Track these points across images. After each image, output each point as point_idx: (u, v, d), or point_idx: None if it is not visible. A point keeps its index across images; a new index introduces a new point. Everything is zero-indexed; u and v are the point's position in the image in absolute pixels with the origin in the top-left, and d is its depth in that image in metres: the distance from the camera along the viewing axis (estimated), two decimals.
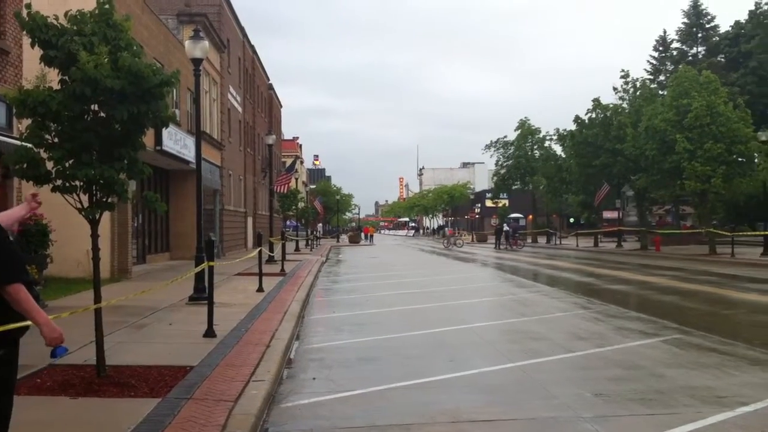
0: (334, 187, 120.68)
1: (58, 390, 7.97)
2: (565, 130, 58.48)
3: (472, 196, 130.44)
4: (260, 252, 20.88)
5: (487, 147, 79.43)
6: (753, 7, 65.20)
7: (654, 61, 75.70)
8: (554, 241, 66.32)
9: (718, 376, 9.31)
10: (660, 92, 54.75)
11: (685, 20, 73.83)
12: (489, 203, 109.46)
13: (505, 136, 77.67)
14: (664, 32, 76.45)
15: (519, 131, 75.32)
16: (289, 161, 67.84)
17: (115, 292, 16.95)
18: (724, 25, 75.56)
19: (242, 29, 51.59)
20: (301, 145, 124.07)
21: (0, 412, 4.80)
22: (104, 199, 8.35)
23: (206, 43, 17.76)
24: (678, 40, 74.74)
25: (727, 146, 38.51)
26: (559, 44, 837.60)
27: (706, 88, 40.20)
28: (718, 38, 71.65)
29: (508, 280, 26.32)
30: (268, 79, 69.98)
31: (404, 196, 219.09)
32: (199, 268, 14.89)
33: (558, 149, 65.84)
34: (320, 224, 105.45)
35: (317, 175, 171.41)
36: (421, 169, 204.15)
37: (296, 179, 58.71)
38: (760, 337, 12.40)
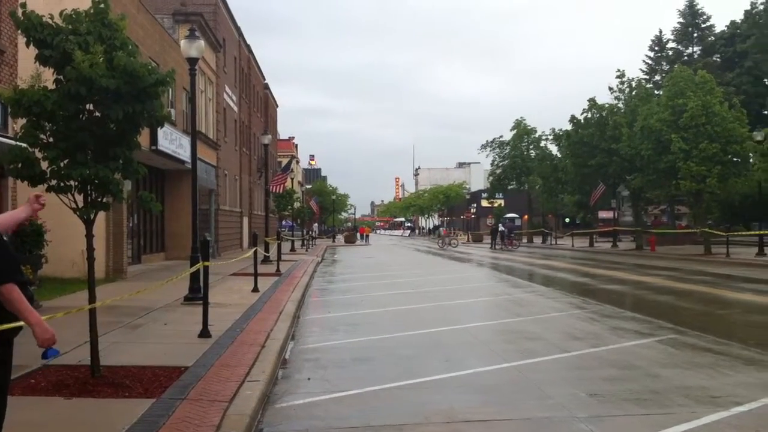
0: (330, 187, 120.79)
1: (52, 390, 7.95)
2: (560, 130, 58.57)
3: (468, 196, 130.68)
4: (255, 252, 20.87)
5: (483, 147, 79.58)
6: (749, 7, 65.40)
7: (650, 61, 75.83)
8: (550, 241, 66.40)
9: (713, 376, 9.32)
10: (656, 92, 54.83)
11: (681, 20, 73.98)
12: (485, 203, 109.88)
13: (501, 136, 77.88)
14: (660, 32, 76.60)
15: (515, 131, 75.40)
16: (284, 161, 67.74)
17: (110, 292, 16.93)
18: (720, 24, 76.00)
19: (238, 29, 51.55)
20: (297, 145, 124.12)
21: None
22: (99, 199, 8.33)
23: (202, 42, 17.75)
24: (674, 40, 74.91)
25: (723, 146, 38.59)
26: (557, 44, 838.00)
27: (701, 88, 40.28)
28: (713, 38, 71.84)
29: (503, 280, 26.34)
30: (264, 79, 69.94)
31: (400, 196, 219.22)
32: (194, 268, 14.87)
33: (554, 149, 65.94)
34: (316, 224, 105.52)
35: (313, 175, 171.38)
36: (417, 169, 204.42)
37: (292, 179, 58.62)
38: (755, 337, 12.43)
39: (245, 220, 52.07)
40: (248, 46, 57.21)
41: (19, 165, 7.95)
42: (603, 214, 61.91)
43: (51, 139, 8.11)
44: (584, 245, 56.31)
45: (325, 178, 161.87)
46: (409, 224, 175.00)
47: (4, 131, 15.75)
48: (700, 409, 7.67)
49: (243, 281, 22.12)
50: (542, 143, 72.02)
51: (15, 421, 5.59)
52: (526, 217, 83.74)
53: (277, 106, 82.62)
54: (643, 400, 8.12)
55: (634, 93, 51.42)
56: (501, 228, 61.16)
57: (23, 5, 8.07)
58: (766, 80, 64.28)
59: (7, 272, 4.63)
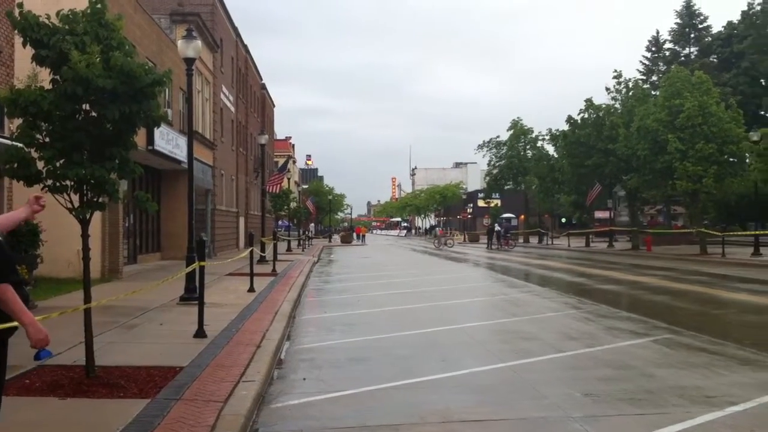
0: (327, 187, 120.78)
1: (47, 391, 7.94)
2: (557, 130, 58.64)
3: (464, 196, 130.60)
4: (252, 252, 20.86)
5: (480, 147, 79.65)
6: (745, 8, 65.52)
7: (646, 62, 75.98)
8: (546, 241, 66.43)
9: (708, 375, 9.34)
10: (652, 92, 54.91)
11: (678, 21, 74.12)
12: (481, 203, 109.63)
13: (498, 136, 78.00)
14: (657, 33, 76.74)
15: (512, 131, 75.49)
16: (281, 161, 67.76)
17: (105, 292, 16.91)
18: (717, 25, 76.24)
19: (235, 29, 51.52)
20: (293, 145, 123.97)
21: None
22: (95, 199, 8.33)
23: (199, 42, 17.73)
24: (671, 41, 75.08)
25: (719, 146, 38.66)
26: (556, 45, 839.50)
27: (698, 88, 40.34)
28: (710, 39, 71.98)
29: (499, 280, 26.36)
30: (261, 79, 69.94)
31: (396, 196, 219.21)
32: (190, 268, 14.86)
33: (550, 149, 66.04)
34: (312, 224, 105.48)
35: (310, 174, 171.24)
36: (413, 169, 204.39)
37: (288, 179, 58.64)
38: (750, 337, 12.45)
39: (241, 220, 52.04)
40: (245, 46, 57.18)
41: (15, 165, 7.95)
42: (599, 214, 61.92)
43: (47, 139, 8.11)
44: (580, 245, 56.37)
45: (321, 178, 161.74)
46: (405, 224, 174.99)
47: (0, 131, 15.73)
48: (694, 409, 7.68)
49: (239, 281, 22.12)
50: (539, 143, 72.20)
51: (10, 421, 5.60)
52: (522, 217, 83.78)
53: (273, 106, 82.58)
54: (638, 400, 8.13)
55: (631, 93, 51.50)
56: (497, 228, 61.18)
57: (20, 5, 8.06)
58: (762, 81, 64.43)
59: (1, 272, 4.63)
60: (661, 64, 73.59)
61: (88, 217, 8.33)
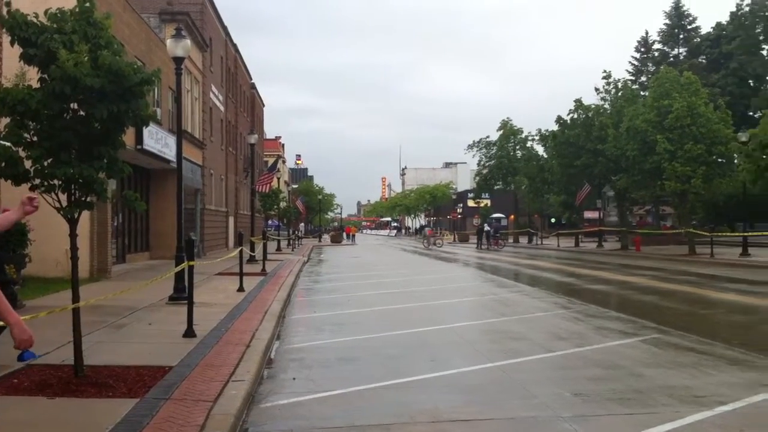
0: (317, 186, 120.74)
1: (35, 390, 7.91)
2: (547, 130, 58.74)
3: (454, 196, 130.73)
4: (241, 251, 20.83)
5: (470, 147, 79.76)
6: (734, 9, 65.83)
7: (636, 62, 76.22)
8: (535, 241, 66.57)
9: (697, 375, 9.37)
10: (641, 93, 55.08)
11: (667, 21, 74.36)
12: (471, 203, 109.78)
13: (488, 137, 78.08)
14: (646, 33, 77.01)
15: (501, 131, 75.60)
16: (271, 161, 67.72)
17: (94, 292, 16.85)
18: (706, 26, 76.64)
19: (225, 28, 51.42)
20: (283, 145, 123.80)
21: None
22: (83, 198, 8.28)
23: (188, 41, 17.67)
24: (660, 41, 75.34)
25: (708, 147, 38.81)
26: (546, 46, 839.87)
27: (687, 89, 40.48)
28: (699, 39, 72.26)
29: (488, 280, 26.39)
30: (251, 79, 69.83)
31: (386, 196, 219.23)
32: (179, 268, 14.81)
33: (540, 149, 66.17)
34: (302, 224, 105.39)
35: (299, 174, 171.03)
36: (403, 169, 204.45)
37: (278, 179, 58.55)
38: (738, 337, 12.50)
39: (231, 220, 51.94)
40: (235, 46, 57.08)
41: (3, 164, 7.91)
42: (588, 215, 62.08)
43: (35, 138, 8.06)
44: (570, 245, 56.50)
45: (311, 177, 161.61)
46: (395, 224, 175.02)
47: None
48: (684, 409, 7.70)
49: (228, 281, 22.08)
50: (528, 144, 72.34)
51: None
52: (512, 217, 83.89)
53: (263, 105, 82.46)
54: (627, 400, 8.15)
55: (620, 94, 51.62)
56: (487, 228, 61.27)
57: (8, 3, 8.04)
58: (751, 81, 64.71)
59: None
60: (650, 64, 73.82)
61: (76, 216, 8.29)
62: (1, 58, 17.08)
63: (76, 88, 7.68)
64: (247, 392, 8.18)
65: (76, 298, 8.38)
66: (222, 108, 49.31)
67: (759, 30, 63.11)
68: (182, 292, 15.68)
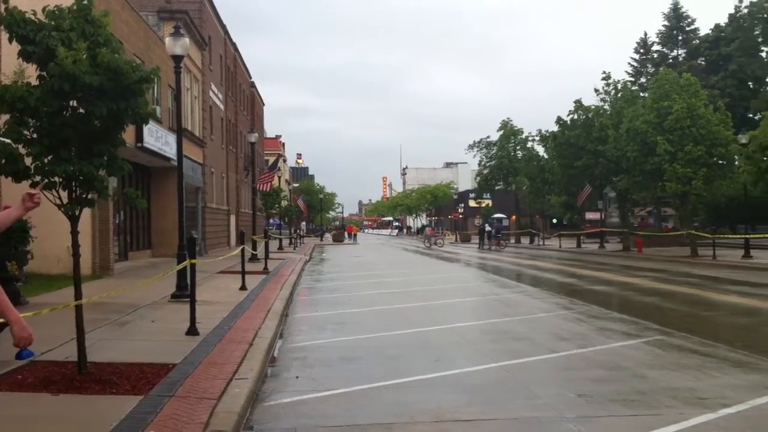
0: (318, 185, 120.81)
1: (39, 387, 7.91)
2: (547, 131, 58.66)
3: (455, 196, 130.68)
4: (243, 250, 20.82)
5: (470, 147, 79.68)
6: (733, 11, 65.79)
7: (635, 63, 76.12)
8: (537, 241, 66.50)
9: (700, 377, 9.34)
10: (641, 94, 55.01)
11: (666, 23, 74.29)
12: (472, 203, 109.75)
13: (488, 137, 77.97)
14: (645, 34, 76.94)
15: (502, 132, 75.53)
16: (271, 159, 67.68)
17: (96, 289, 16.84)
18: (704, 28, 76.21)
19: (224, 27, 51.42)
20: (284, 144, 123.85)
21: None
22: (84, 196, 8.28)
23: (187, 40, 17.68)
24: (659, 43, 75.21)
25: (708, 148, 38.74)
26: (546, 46, 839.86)
27: (686, 90, 40.43)
28: (698, 41, 72.19)
29: (490, 280, 26.37)
30: (250, 77, 69.81)
31: (388, 196, 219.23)
32: (181, 266, 14.81)
33: (540, 150, 66.06)
34: (304, 223, 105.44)
35: (300, 173, 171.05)
36: (404, 169, 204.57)
37: (279, 177, 58.55)
38: (741, 339, 12.47)
39: (232, 218, 51.95)
40: (234, 45, 57.06)
41: (3, 161, 7.90)
42: (590, 216, 62.02)
43: (35, 135, 8.05)
44: (571, 246, 56.47)
45: (312, 177, 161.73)
46: (397, 224, 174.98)
47: None
48: (687, 411, 7.68)
49: (230, 279, 22.06)
50: (529, 144, 72.22)
51: (3, 416, 5.56)
52: (514, 217, 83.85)
53: (263, 104, 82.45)
54: (630, 401, 8.13)
55: (619, 95, 51.56)
56: (488, 228, 61.24)
57: (5, 1, 8.00)
58: (750, 83, 64.64)
59: None
60: (650, 65, 73.70)
61: (77, 213, 8.29)
62: (0, 56, 17.06)
63: (75, 86, 7.67)
64: (250, 390, 8.16)
65: (78, 295, 8.36)
66: (222, 106, 49.31)
67: (758, 32, 63.05)
68: (184, 290, 15.68)
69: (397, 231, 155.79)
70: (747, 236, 36.90)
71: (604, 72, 52.63)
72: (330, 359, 10.90)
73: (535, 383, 9.08)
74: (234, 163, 54.40)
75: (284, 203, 66.25)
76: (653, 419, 7.37)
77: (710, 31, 70.24)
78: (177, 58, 17.14)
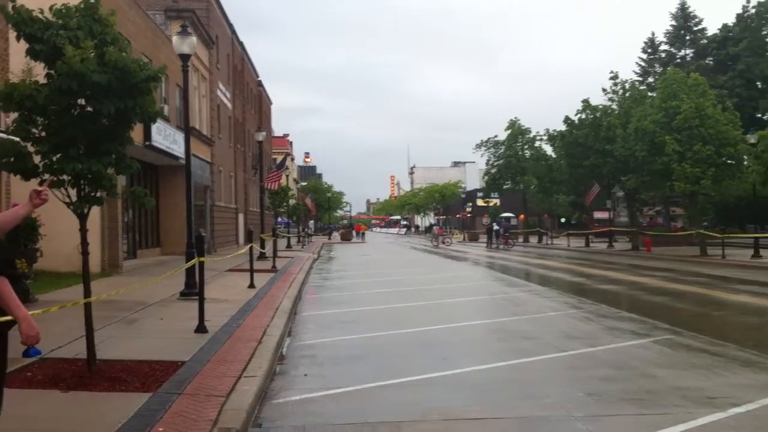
0: (325, 184, 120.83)
1: (48, 384, 7.95)
2: (555, 130, 58.54)
3: (463, 195, 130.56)
4: (251, 248, 20.83)
5: (478, 146, 79.50)
6: (740, 11, 65.52)
7: (643, 63, 75.80)
8: (545, 240, 66.38)
9: (709, 377, 9.31)
10: (649, 94, 54.83)
11: (673, 23, 74.01)
12: (480, 202, 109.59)
13: (496, 136, 77.76)
14: (653, 34, 76.79)
15: (509, 131, 75.38)
16: (279, 158, 67.73)
17: (105, 287, 16.87)
18: (712, 28, 75.97)
19: (231, 26, 51.50)
20: (291, 142, 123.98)
21: None
22: (92, 194, 8.29)
23: (194, 38, 17.73)
24: (666, 43, 74.87)
25: (716, 148, 38.60)
26: (548, 48, 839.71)
27: (694, 90, 40.28)
28: (706, 41, 71.87)
29: (499, 279, 26.33)
30: (258, 76, 69.86)
31: (396, 195, 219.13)
32: (189, 264, 14.84)
33: (548, 149, 65.90)
34: (312, 221, 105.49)
35: (308, 172, 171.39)
36: (412, 168, 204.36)
37: (287, 176, 58.58)
38: (751, 339, 12.43)
39: (240, 217, 52.02)
40: (241, 43, 57.14)
41: (12, 159, 7.92)
42: (598, 215, 61.84)
43: (43, 134, 8.08)
44: (580, 245, 56.32)
45: (320, 175, 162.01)
46: (405, 222, 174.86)
47: None
48: (696, 410, 7.65)
49: (239, 277, 22.09)
50: (537, 143, 72.04)
51: (11, 414, 5.55)
52: (522, 216, 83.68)
53: (270, 103, 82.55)
54: (639, 400, 8.10)
55: (627, 94, 51.42)
56: (496, 227, 61.16)
57: None
58: (758, 83, 64.34)
59: None
60: (657, 65, 73.40)
61: (85, 211, 8.31)
62: (8, 54, 17.11)
63: (83, 84, 7.68)
64: (259, 388, 8.17)
65: (87, 293, 8.38)
66: (229, 105, 49.37)
67: (765, 32, 62.77)
68: (193, 288, 15.72)
69: (405, 230, 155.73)
70: (756, 236, 36.78)
71: (612, 71, 52.63)
72: (338, 357, 10.90)
73: (544, 382, 9.07)
74: (242, 161, 54.47)
75: (292, 202, 66.21)
76: (662, 418, 7.34)
77: (718, 31, 69.92)
78: (184, 57, 17.19)
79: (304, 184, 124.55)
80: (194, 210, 19.48)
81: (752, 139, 36.03)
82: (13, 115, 8.23)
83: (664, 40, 74.67)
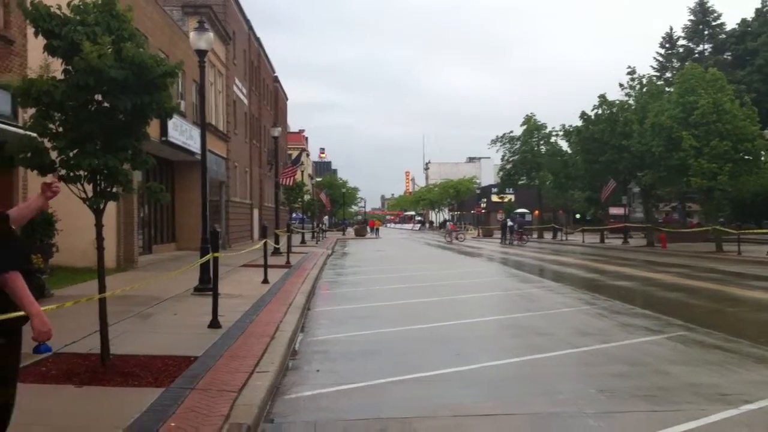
0: (340, 180, 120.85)
1: (63, 378, 8.01)
2: (571, 126, 58.33)
3: (478, 191, 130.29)
4: (266, 244, 20.89)
5: (493, 142, 79.34)
6: (759, 5, 65.02)
7: (660, 58, 75.39)
8: (560, 236, 66.22)
9: (723, 373, 9.28)
10: (666, 89, 54.52)
11: (692, 17, 73.54)
12: (495, 198, 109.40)
13: (511, 131, 77.59)
14: (671, 29, 76.15)
15: (525, 126, 75.18)
16: (294, 154, 67.77)
17: (120, 282, 16.99)
18: (731, 22, 75.17)
19: (248, 21, 51.54)
20: (307, 138, 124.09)
21: (3, 400, 4.81)
22: (108, 190, 8.34)
23: (211, 34, 17.77)
24: (684, 38, 74.40)
25: (734, 144, 38.37)
26: (566, 42, 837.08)
27: (712, 85, 40.04)
28: (724, 36, 71.34)
29: (512, 275, 26.29)
30: (274, 72, 69.92)
31: (410, 190, 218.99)
32: (204, 259, 14.91)
33: (564, 145, 65.69)
34: (326, 217, 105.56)
35: (323, 168, 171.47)
36: (427, 163, 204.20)
37: (302, 172, 58.61)
38: (765, 335, 12.38)
39: (255, 212, 52.14)
40: (258, 39, 57.17)
41: (29, 154, 7.98)
42: (614, 211, 61.61)
43: (60, 129, 8.13)
44: (595, 241, 56.14)
45: (335, 171, 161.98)
46: (419, 218, 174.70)
47: (14, 121, 15.79)
48: (709, 407, 7.63)
49: (253, 272, 22.16)
50: (552, 139, 71.84)
51: (26, 408, 5.61)
52: (536, 212, 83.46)
53: (287, 98, 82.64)
54: (652, 397, 8.09)
55: (644, 90, 51.16)
56: (510, 223, 61.04)
57: None
58: None
59: (10, 260, 4.63)
60: (675, 60, 73.00)
61: (101, 207, 8.35)
62: (27, 50, 17.22)
63: (100, 80, 7.73)
64: (271, 383, 8.21)
65: (102, 288, 8.44)
66: (246, 101, 49.47)
67: None
68: (207, 283, 15.77)
69: (419, 225, 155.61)
70: None
71: (629, 67, 52.31)
72: (351, 353, 10.92)
73: (556, 378, 9.07)
74: (257, 157, 54.58)
75: (307, 197, 66.29)
76: (674, 415, 7.33)
77: (737, 26, 69.38)
78: (201, 53, 17.23)
79: (319, 179, 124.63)
80: (209, 205, 19.55)
81: None
82: (31, 111, 8.29)
83: (683, 35, 74.23)
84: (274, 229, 38.53)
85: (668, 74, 70.59)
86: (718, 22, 72.60)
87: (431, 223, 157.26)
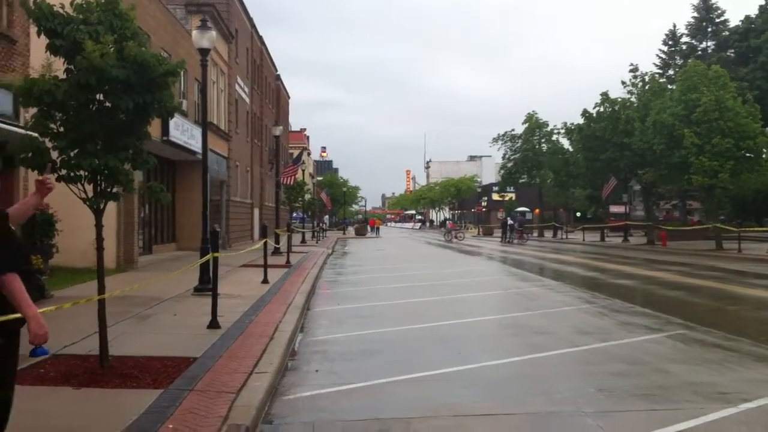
0: (341, 179, 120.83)
1: (61, 380, 7.99)
2: (572, 124, 58.32)
3: (479, 190, 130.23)
4: (266, 243, 20.88)
5: (495, 140, 79.22)
6: (763, 2, 64.90)
7: (663, 55, 75.28)
8: (560, 235, 66.21)
9: (722, 372, 9.28)
10: (669, 86, 54.46)
11: (695, 14, 73.44)
12: (496, 197, 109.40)
13: (513, 130, 77.51)
14: (674, 26, 76.24)
15: (526, 125, 75.11)
16: (296, 153, 67.81)
17: (120, 282, 16.98)
18: (734, 19, 75.26)
19: (251, 20, 51.49)
20: (308, 137, 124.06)
21: (1, 401, 4.81)
22: (109, 189, 8.34)
23: (213, 33, 17.76)
24: (687, 35, 74.29)
25: (736, 141, 38.34)
26: (566, 42, 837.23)
27: (714, 83, 40.02)
28: (727, 33, 71.21)
29: (512, 273, 26.28)
30: (276, 70, 69.87)
31: (411, 189, 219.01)
32: (203, 259, 14.90)
33: (565, 143, 65.65)
34: (327, 216, 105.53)
35: (324, 167, 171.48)
36: (428, 162, 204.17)
37: (303, 171, 58.60)
38: (766, 334, 12.38)
39: (256, 212, 52.11)
40: (260, 38, 57.13)
41: (30, 154, 7.97)
42: (614, 209, 61.60)
43: (61, 129, 8.13)
44: (595, 239, 56.16)
45: (336, 170, 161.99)
46: (420, 217, 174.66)
47: (15, 121, 15.79)
48: (708, 406, 7.63)
49: (253, 272, 22.15)
50: (554, 137, 71.76)
51: (24, 410, 5.61)
52: (537, 210, 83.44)
53: (288, 97, 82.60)
54: (651, 396, 8.09)
55: (647, 87, 51.11)
56: (510, 221, 61.01)
57: None
58: None
59: (8, 262, 4.62)
60: (678, 57, 72.88)
61: (102, 207, 8.35)
62: (29, 49, 17.22)
63: (102, 79, 7.73)
64: (270, 384, 8.20)
65: (101, 289, 8.43)
66: (247, 100, 49.45)
67: None
68: (207, 284, 15.76)
69: (420, 224, 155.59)
70: None
71: (632, 64, 52.37)
72: (350, 353, 10.92)
73: (555, 377, 9.07)
74: (258, 156, 54.56)
75: (308, 197, 66.29)
76: (673, 414, 7.33)
77: (740, 23, 69.24)
78: (203, 52, 17.21)
79: (320, 178, 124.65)
80: (210, 205, 19.55)
81: None
82: (33, 111, 8.29)
83: (686, 32, 74.13)
84: (275, 228, 38.51)
85: (671, 72, 70.47)
86: (722, 19, 72.47)
87: (432, 222, 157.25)
